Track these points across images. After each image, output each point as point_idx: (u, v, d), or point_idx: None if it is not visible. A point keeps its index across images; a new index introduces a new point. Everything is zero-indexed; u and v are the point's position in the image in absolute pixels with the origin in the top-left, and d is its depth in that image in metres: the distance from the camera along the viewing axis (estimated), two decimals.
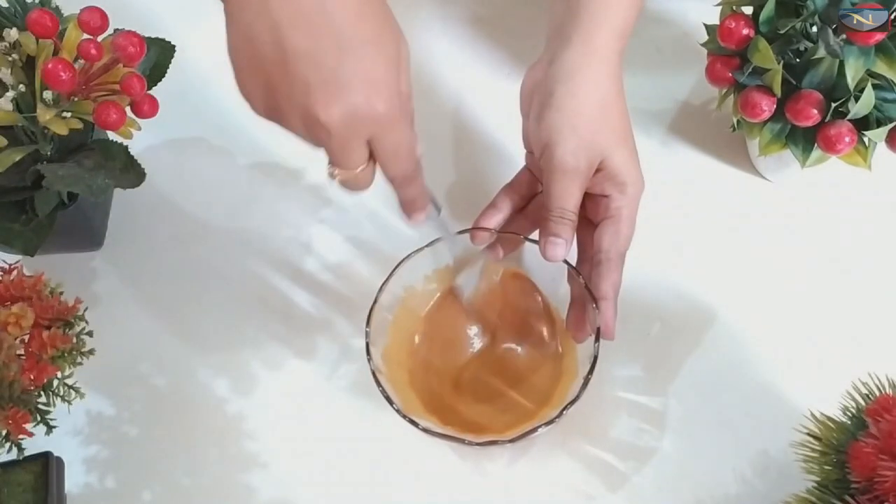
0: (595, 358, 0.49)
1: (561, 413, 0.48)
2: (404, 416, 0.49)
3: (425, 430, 0.49)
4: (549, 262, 0.51)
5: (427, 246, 0.55)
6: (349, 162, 0.44)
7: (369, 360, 0.51)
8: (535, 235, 0.53)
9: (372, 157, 0.45)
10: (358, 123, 0.42)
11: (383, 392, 0.50)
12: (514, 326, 0.57)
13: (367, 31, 0.42)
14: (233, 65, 0.43)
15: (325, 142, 0.43)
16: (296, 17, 0.40)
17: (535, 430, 0.48)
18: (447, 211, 0.64)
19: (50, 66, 0.50)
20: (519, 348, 0.56)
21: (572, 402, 0.48)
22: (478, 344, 0.57)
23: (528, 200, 0.57)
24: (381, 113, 0.42)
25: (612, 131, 0.51)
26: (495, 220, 0.56)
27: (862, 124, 0.53)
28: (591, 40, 0.51)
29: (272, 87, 0.42)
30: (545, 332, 0.56)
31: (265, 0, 0.40)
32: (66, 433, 0.57)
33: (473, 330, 0.57)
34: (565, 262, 0.52)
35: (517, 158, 0.65)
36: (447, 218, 0.52)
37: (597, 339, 0.50)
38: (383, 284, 0.53)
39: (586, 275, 0.53)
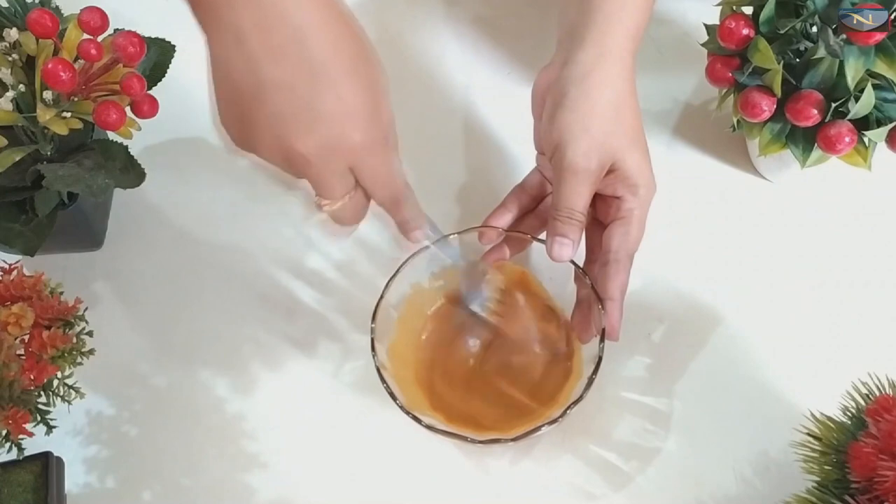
0: (600, 358, 0.49)
1: (564, 412, 0.48)
2: (408, 413, 0.49)
3: (429, 427, 0.49)
4: (555, 263, 0.51)
5: (433, 243, 0.55)
6: (332, 191, 0.45)
7: (374, 356, 0.51)
8: (542, 235, 0.53)
9: (358, 185, 0.45)
10: (335, 154, 0.43)
11: (387, 388, 0.50)
12: (520, 326, 0.57)
13: (343, 63, 0.42)
14: (215, 97, 0.43)
15: (304, 173, 0.43)
16: (271, 50, 0.40)
17: (538, 428, 0.48)
18: (454, 211, 0.64)
19: (50, 66, 0.50)
20: (525, 348, 0.56)
21: (576, 402, 0.48)
22: (484, 343, 0.57)
23: (538, 202, 0.58)
24: (358, 142, 0.43)
25: (625, 133, 0.51)
26: (504, 220, 0.56)
27: (862, 124, 0.53)
28: (605, 41, 0.50)
29: (248, 118, 0.42)
30: (551, 332, 0.56)
31: (241, 34, 0.40)
32: (66, 433, 0.57)
33: (479, 329, 0.57)
34: (572, 262, 0.52)
35: (519, 158, 0.65)
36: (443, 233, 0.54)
37: (602, 340, 0.50)
38: (389, 281, 0.53)
39: (594, 276, 0.53)
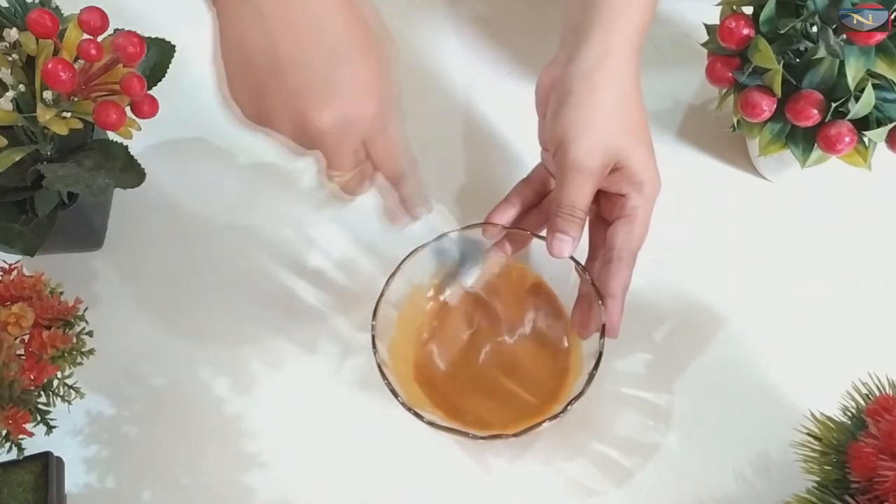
0: (600, 354, 0.49)
1: (565, 408, 0.48)
2: (409, 409, 0.49)
3: (430, 424, 0.49)
4: (555, 259, 0.51)
5: (433, 241, 0.55)
6: (343, 163, 0.46)
7: (375, 353, 0.51)
8: (543, 232, 0.53)
9: (366, 157, 0.47)
10: (350, 126, 0.44)
11: (388, 385, 0.50)
12: (520, 322, 0.57)
13: (356, 39, 0.44)
14: (222, 71, 0.44)
15: (318, 145, 0.45)
16: (288, 27, 0.42)
17: (539, 424, 0.48)
18: (454, 211, 0.64)
19: (50, 66, 0.50)
20: (525, 344, 0.56)
21: (577, 398, 0.48)
22: (484, 339, 0.57)
23: (542, 197, 0.58)
24: (373, 115, 0.44)
25: (629, 130, 0.51)
26: (508, 214, 0.56)
27: (862, 124, 0.53)
28: (611, 38, 0.50)
29: (263, 93, 0.43)
30: (552, 328, 0.56)
31: (259, 11, 0.41)
32: (66, 433, 0.57)
33: (479, 326, 0.57)
34: (572, 258, 0.52)
35: (519, 157, 0.65)
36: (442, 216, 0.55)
37: (602, 336, 0.50)
38: (389, 279, 0.54)
39: (596, 273, 0.53)
